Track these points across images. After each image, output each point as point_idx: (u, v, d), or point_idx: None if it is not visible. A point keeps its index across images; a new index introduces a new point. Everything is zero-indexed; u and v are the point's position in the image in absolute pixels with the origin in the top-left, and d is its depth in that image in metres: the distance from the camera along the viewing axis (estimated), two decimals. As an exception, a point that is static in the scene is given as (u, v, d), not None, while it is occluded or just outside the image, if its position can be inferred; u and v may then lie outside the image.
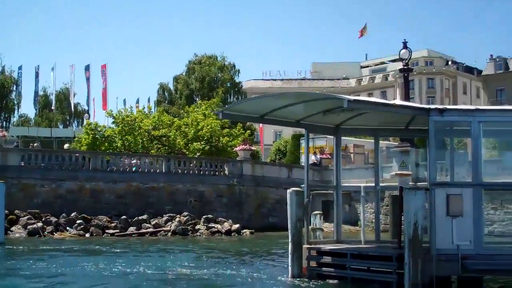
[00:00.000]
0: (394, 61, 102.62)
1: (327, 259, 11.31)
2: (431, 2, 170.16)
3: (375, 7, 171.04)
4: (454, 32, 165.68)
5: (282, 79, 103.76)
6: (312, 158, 34.63)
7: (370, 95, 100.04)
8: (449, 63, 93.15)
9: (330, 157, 35.34)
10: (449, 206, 9.97)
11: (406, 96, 30.87)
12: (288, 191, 11.82)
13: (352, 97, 10.14)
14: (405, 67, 30.48)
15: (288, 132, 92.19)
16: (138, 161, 29.39)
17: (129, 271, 13.41)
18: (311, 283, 11.08)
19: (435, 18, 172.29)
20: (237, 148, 31.60)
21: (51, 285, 11.85)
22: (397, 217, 11.36)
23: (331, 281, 11.06)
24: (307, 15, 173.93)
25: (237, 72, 59.24)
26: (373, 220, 30.45)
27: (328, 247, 11.70)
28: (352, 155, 42.06)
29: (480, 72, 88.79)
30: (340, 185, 13.61)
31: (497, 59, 79.39)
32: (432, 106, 10.43)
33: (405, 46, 30.83)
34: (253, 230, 27.32)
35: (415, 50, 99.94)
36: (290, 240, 11.56)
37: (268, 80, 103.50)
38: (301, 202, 11.74)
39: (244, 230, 26.89)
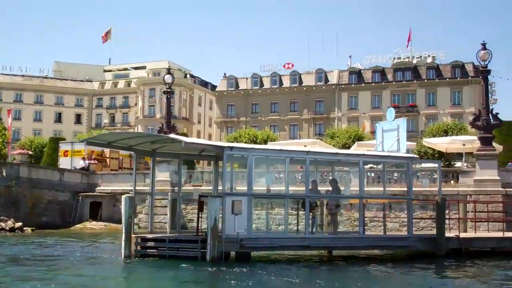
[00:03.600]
0: (137, 68, 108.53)
1: (150, 244, 16.41)
2: (174, 17, 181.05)
3: (119, 13, 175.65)
4: (193, 47, 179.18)
5: (23, 75, 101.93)
6: (81, 163, 38.32)
7: (112, 99, 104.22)
8: (187, 76, 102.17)
9: (97, 162, 39.43)
10: (233, 207, 15.84)
11: (168, 114, 36.29)
12: (123, 196, 16.67)
13: (187, 139, 15.50)
14: (168, 89, 35.75)
15: (28, 130, 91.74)
16: None
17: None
18: (138, 260, 16.06)
19: (176, 32, 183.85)
20: (15, 152, 33.93)
21: None
22: (196, 215, 16.89)
23: (153, 259, 16.17)
24: (49, 13, 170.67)
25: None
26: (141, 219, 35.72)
27: (150, 235, 16.85)
28: (108, 159, 45.93)
29: (214, 87, 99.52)
30: (154, 191, 18.57)
31: (229, 77, 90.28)
32: (226, 144, 16.28)
33: (168, 72, 36.58)
34: (34, 228, 30.37)
35: (157, 60, 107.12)
36: (123, 230, 16.37)
37: (8, 75, 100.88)
38: (131, 204, 16.63)
39: (25, 228, 29.79)
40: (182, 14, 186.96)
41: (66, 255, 17.60)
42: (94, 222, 34.37)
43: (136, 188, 36.97)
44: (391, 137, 19.28)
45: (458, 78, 77.03)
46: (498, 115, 29.52)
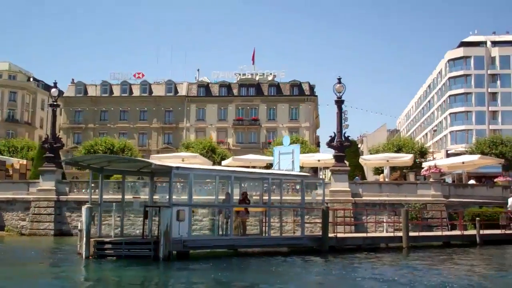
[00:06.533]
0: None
1: (108, 246, 19.71)
2: (16, 18, 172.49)
3: None
4: (36, 50, 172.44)
5: None
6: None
7: None
8: (31, 79, 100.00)
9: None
10: (178, 215, 19.72)
11: (54, 126, 38.03)
12: (83, 207, 19.74)
13: (156, 162, 19.08)
14: (54, 103, 37.67)
15: None
16: None
17: None
18: (98, 260, 19.30)
19: (18, 34, 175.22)
20: None
21: None
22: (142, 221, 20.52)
23: (110, 258, 19.48)
24: None
25: None
26: (18, 226, 37.16)
27: (107, 239, 20.11)
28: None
29: (59, 92, 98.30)
30: (103, 202, 21.65)
31: (78, 84, 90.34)
32: (175, 165, 20.15)
33: (55, 85, 38.53)
34: None
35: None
36: (84, 235, 19.44)
37: None
38: (90, 213, 19.79)
39: None
40: (25, 16, 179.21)
41: (22, 257, 20.18)
42: (-16, 228, 35.27)
43: (20, 196, 38.44)
44: (286, 159, 24.35)
45: (296, 96, 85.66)
46: (349, 138, 36.36)
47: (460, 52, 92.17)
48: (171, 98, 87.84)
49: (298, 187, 34.02)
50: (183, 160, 38.10)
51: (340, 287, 15.35)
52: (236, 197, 22.73)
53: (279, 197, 24.46)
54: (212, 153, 60.18)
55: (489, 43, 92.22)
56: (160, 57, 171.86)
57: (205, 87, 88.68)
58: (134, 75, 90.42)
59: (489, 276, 17.69)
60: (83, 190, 35.66)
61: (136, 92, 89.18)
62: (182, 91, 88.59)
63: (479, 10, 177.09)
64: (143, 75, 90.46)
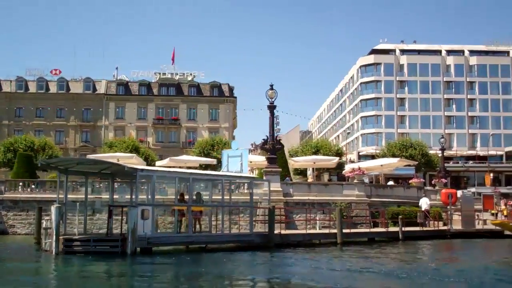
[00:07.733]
0: None
1: (76, 243, 20.73)
2: None
3: None
4: None
5: None
6: None
7: None
8: None
9: None
10: (143, 214, 21.08)
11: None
12: (52, 206, 20.63)
13: (128, 165, 20.25)
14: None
15: None
16: None
17: None
18: (67, 256, 20.32)
19: None
20: None
21: None
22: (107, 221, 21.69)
23: (79, 255, 20.53)
24: None
25: None
26: None
27: (75, 237, 21.10)
28: None
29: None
30: (64, 199, 22.51)
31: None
32: (139, 167, 21.44)
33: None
34: None
35: None
36: (54, 233, 20.37)
37: None
38: (59, 212, 20.74)
39: None
40: None
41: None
42: None
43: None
44: (235, 162, 26.20)
45: (216, 97, 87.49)
46: (280, 140, 38.61)
47: (371, 59, 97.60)
48: (89, 96, 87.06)
49: (233, 187, 36.04)
50: (118, 160, 38.91)
51: (303, 275, 17.37)
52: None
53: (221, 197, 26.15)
54: (136, 152, 60.56)
55: (398, 51, 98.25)
56: (77, 54, 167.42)
57: (124, 86, 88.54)
58: (51, 72, 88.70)
59: (422, 264, 20.50)
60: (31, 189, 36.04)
61: (53, 89, 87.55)
62: (101, 89, 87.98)
63: (389, 18, 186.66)
64: (60, 72, 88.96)
